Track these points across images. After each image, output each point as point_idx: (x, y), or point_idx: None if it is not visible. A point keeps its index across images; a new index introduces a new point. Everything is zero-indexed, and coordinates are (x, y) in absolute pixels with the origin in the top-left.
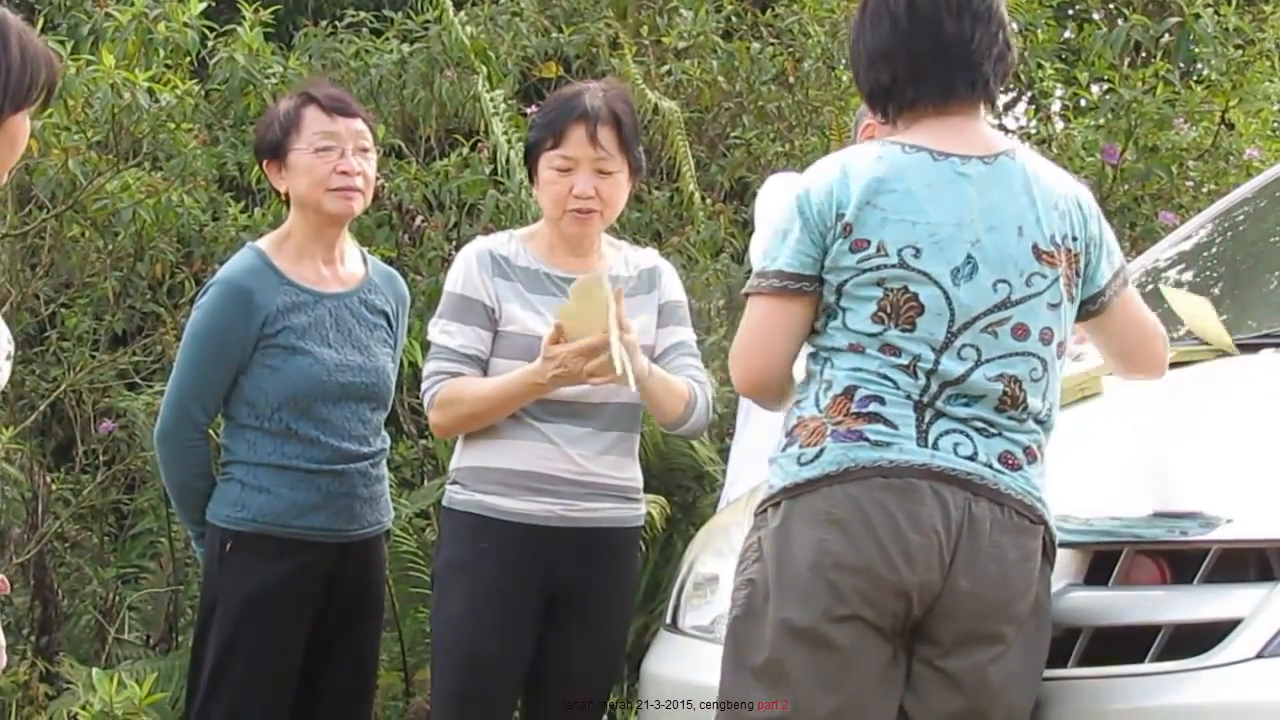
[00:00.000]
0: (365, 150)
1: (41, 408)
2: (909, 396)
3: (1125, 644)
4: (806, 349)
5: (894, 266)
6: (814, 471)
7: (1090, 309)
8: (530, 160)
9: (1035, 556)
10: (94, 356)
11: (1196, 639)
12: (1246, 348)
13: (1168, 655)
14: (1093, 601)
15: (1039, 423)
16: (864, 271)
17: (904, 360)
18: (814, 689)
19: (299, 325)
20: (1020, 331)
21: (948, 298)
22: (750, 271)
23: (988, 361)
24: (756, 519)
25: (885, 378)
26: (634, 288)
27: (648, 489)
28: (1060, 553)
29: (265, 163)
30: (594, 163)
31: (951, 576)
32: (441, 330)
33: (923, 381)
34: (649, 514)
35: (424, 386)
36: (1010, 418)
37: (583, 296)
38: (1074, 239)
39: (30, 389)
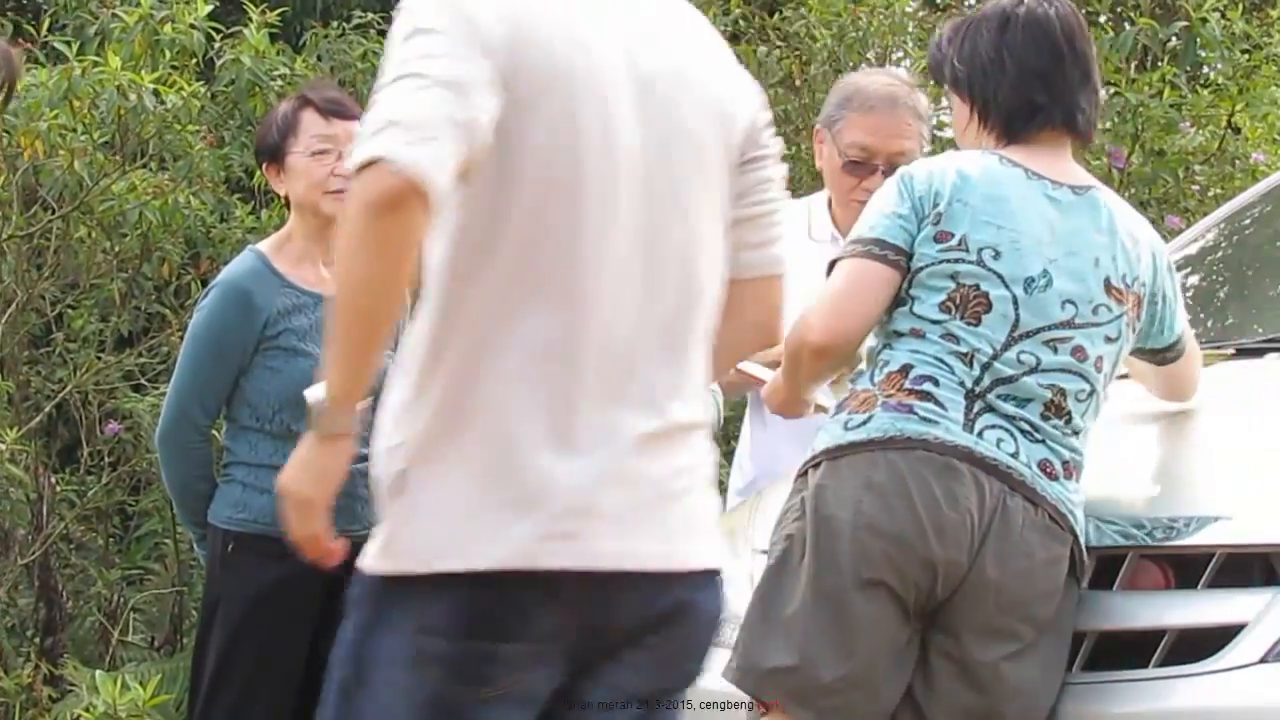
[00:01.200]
0: None
1: (47, 409)
2: (962, 384)
3: (1130, 648)
4: (869, 341)
5: (972, 263)
6: (859, 435)
7: (1167, 355)
8: None
9: (1063, 563)
10: (100, 358)
11: (1201, 643)
12: (1251, 352)
13: (1172, 660)
14: (1096, 606)
15: (1079, 443)
16: (941, 262)
17: (963, 349)
18: (826, 653)
19: (300, 327)
20: (1079, 353)
21: (1016, 304)
22: None
23: (1043, 371)
24: (797, 482)
25: (942, 362)
26: None
27: None
28: None
29: (265, 166)
30: None
31: (979, 561)
32: None
33: (977, 373)
34: None
35: None
36: (1054, 426)
37: None
38: (1143, 284)
39: (36, 390)
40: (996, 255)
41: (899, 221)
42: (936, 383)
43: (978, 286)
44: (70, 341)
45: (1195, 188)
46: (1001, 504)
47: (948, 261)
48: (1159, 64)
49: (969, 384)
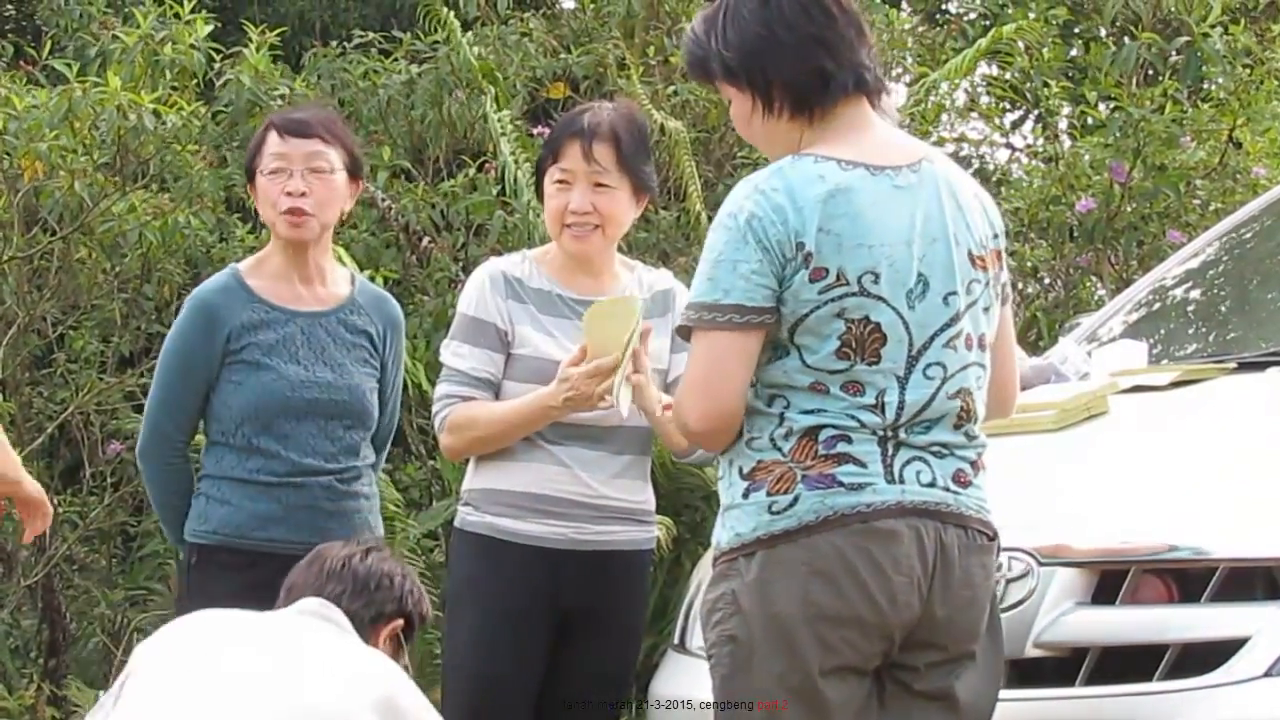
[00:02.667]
0: (320, 171)
1: (49, 430)
2: (874, 432)
3: (1133, 663)
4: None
5: (855, 294)
6: (790, 522)
7: (1004, 293)
8: (538, 179)
9: (993, 569)
10: (101, 378)
11: (1204, 658)
12: (1253, 366)
13: (1175, 674)
14: (1100, 620)
15: (981, 431)
16: (826, 303)
17: (869, 399)
18: None
19: (265, 342)
20: (969, 342)
21: (905, 323)
22: None
23: (950, 378)
24: (724, 566)
25: (851, 417)
26: (647, 310)
27: (656, 510)
28: (1067, 572)
29: (248, 187)
30: (590, 177)
31: (928, 607)
32: (453, 352)
33: (890, 417)
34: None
35: (435, 409)
36: (964, 433)
37: (608, 315)
38: (996, 236)
39: (38, 411)
40: (876, 279)
41: (755, 280)
42: (849, 439)
43: (868, 319)
44: (71, 362)
45: (1196, 202)
46: (939, 543)
47: (831, 301)
48: (1160, 79)
49: (881, 430)
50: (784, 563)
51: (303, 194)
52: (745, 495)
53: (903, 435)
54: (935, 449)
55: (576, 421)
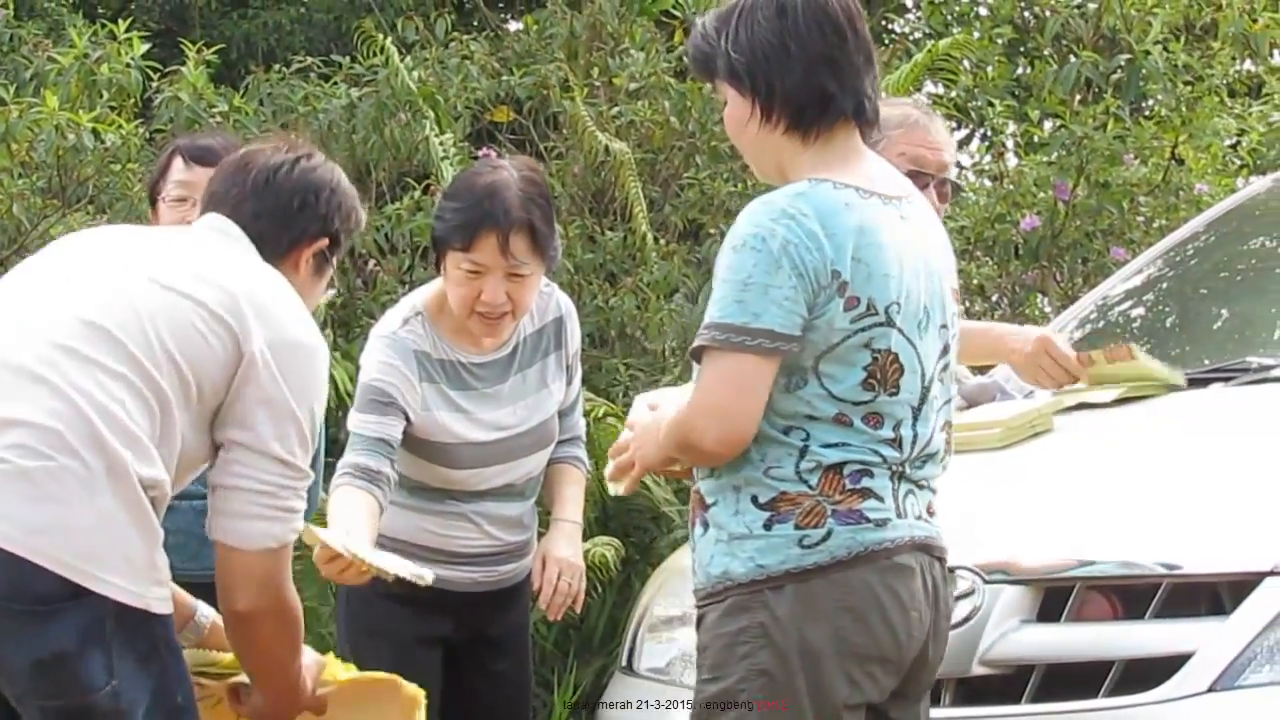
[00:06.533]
0: None
1: None
2: (890, 467)
3: (1078, 679)
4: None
5: (883, 325)
6: (822, 556)
7: None
8: (437, 252)
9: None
10: None
11: (1149, 674)
12: (1196, 382)
13: (1120, 690)
14: (1045, 638)
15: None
16: (856, 333)
17: (887, 433)
18: None
19: None
20: (950, 374)
21: (918, 354)
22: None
23: (940, 410)
24: (743, 598)
25: (874, 452)
26: (535, 351)
27: (605, 530)
28: (1012, 590)
29: (151, 212)
30: (505, 269)
31: (926, 644)
32: (360, 421)
33: (906, 453)
34: (604, 555)
35: (337, 472)
36: (942, 466)
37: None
38: (953, 273)
39: None
40: (899, 309)
41: (788, 306)
42: (872, 474)
43: (889, 349)
44: None
45: (1140, 219)
46: (934, 579)
47: (861, 331)
48: (1102, 96)
49: (896, 464)
50: (816, 597)
51: None
52: (767, 526)
53: (908, 469)
54: (923, 481)
55: (504, 482)
